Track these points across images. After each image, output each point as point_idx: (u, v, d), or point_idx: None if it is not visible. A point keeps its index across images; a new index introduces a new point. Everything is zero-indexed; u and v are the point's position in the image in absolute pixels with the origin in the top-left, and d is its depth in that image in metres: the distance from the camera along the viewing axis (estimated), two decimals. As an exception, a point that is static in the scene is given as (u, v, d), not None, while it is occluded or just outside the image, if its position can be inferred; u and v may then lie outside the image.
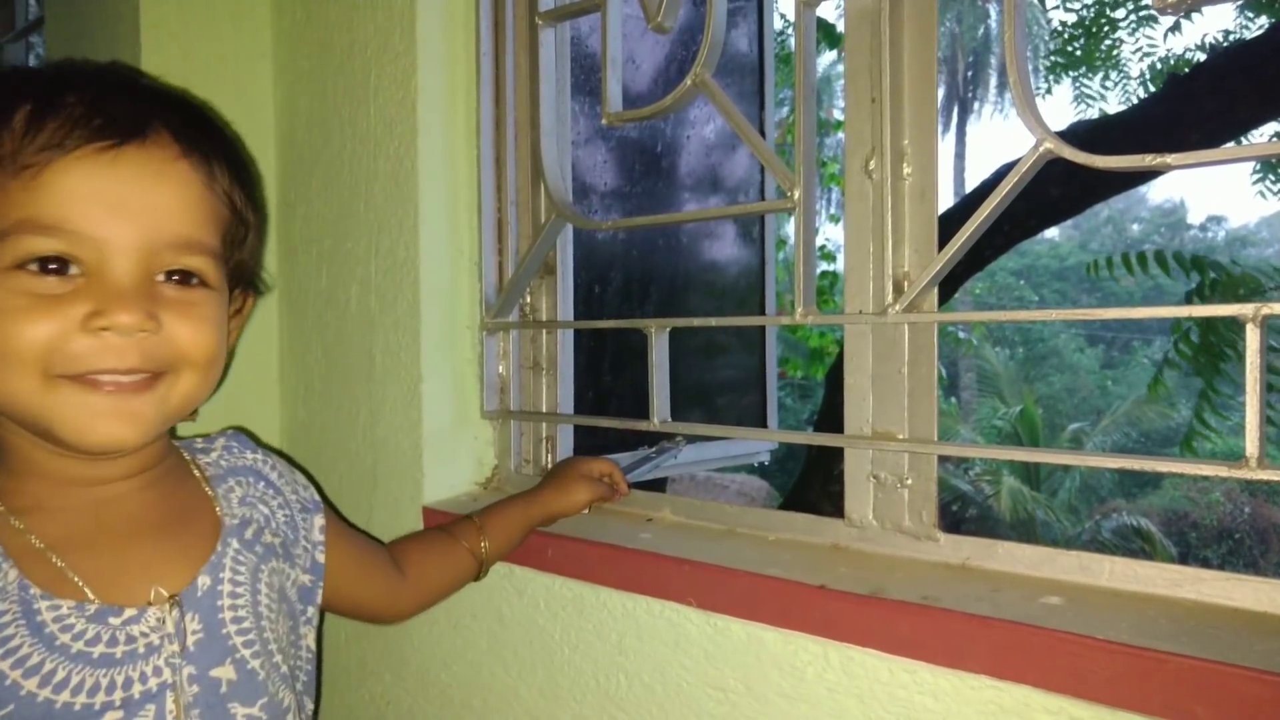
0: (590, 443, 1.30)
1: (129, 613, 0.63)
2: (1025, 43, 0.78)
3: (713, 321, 1.04)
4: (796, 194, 0.91)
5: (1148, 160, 0.68)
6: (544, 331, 1.20)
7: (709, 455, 1.67)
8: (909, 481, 0.86)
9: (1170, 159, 0.67)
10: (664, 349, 1.04)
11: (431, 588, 0.96)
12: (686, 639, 0.90)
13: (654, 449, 1.21)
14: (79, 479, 0.66)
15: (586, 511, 1.03)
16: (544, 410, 1.21)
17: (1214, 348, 3.10)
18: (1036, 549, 0.79)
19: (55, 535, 0.64)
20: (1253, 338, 0.65)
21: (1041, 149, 0.75)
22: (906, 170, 0.85)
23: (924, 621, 0.73)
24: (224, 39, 1.37)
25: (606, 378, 1.47)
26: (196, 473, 0.76)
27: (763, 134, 1.79)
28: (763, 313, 1.89)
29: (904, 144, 0.85)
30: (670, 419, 1.05)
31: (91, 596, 0.62)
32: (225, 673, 0.66)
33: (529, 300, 1.22)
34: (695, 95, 0.99)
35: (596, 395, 1.43)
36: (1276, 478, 0.64)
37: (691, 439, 1.20)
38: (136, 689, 0.62)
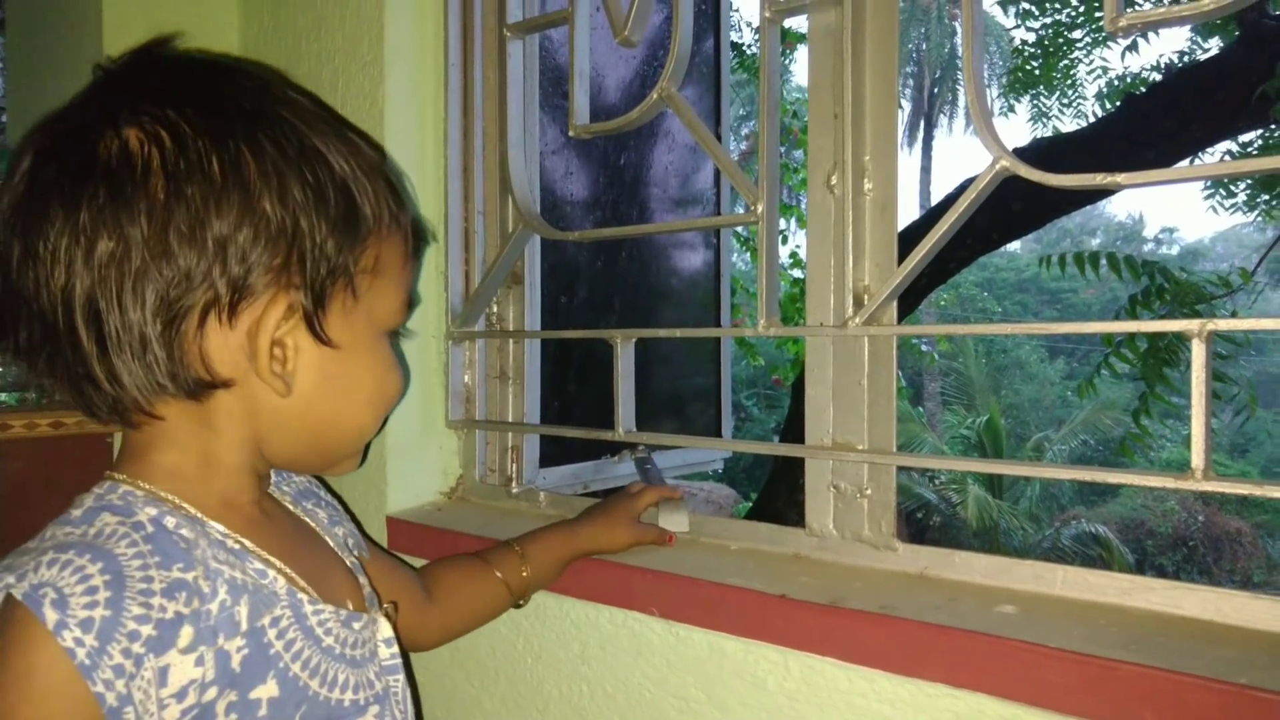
0: (555, 451, 1.30)
1: (365, 619, 0.69)
2: (983, 64, 0.80)
3: (678, 332, 1.05)
4: (760, 207, 0.92)
5: (1099, 179, 0.70)
6: (510, 341, 1.21)
7: (667, 464, 1.68)
8: (868, 492, 0.87)
9: (1120, 178, 0.69)
10: (629, 359, 1.05)
11: (462, 617, 0.92)
12: (649, 648, 0.90)
13: (638, 460, 1.21)
14: (258, 494, 0.68)
15: None
16: (509, 420, 1.21)
17: (1159, 354, 3.17)
18: (992, 558, 0.80)
19: (259, 541, 0.65)
20: (1198, 353, 0.67)
21: (998, 167, 0.77)
22: (868, 185, 0.87)
23: (882, 630, 0.74)
24: (189, 45, 1.36)
25: (571, 387, 1.47)
26: (284, 497, 0.76)
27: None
28: (718, 323, 1.91)
29: (865, 159, 0.87)
30: (635, 429, 1.06)
31: (324, 601, 0.66)
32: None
33: (495, 310, 1.22)
34: (661, 108, 1.00)
35: (561, 405, 1.43)
36: (1222, 489, 0.66)
37: (651, 448, 1.21)
38: (379, 686, 0.68)
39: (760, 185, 0.92)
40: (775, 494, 3.81)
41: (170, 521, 0.59)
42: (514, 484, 1.19)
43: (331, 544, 0.76)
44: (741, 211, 0.96)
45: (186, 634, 0.55)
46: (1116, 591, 0.74)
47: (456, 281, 1.20)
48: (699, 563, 0.90)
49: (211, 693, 0.56)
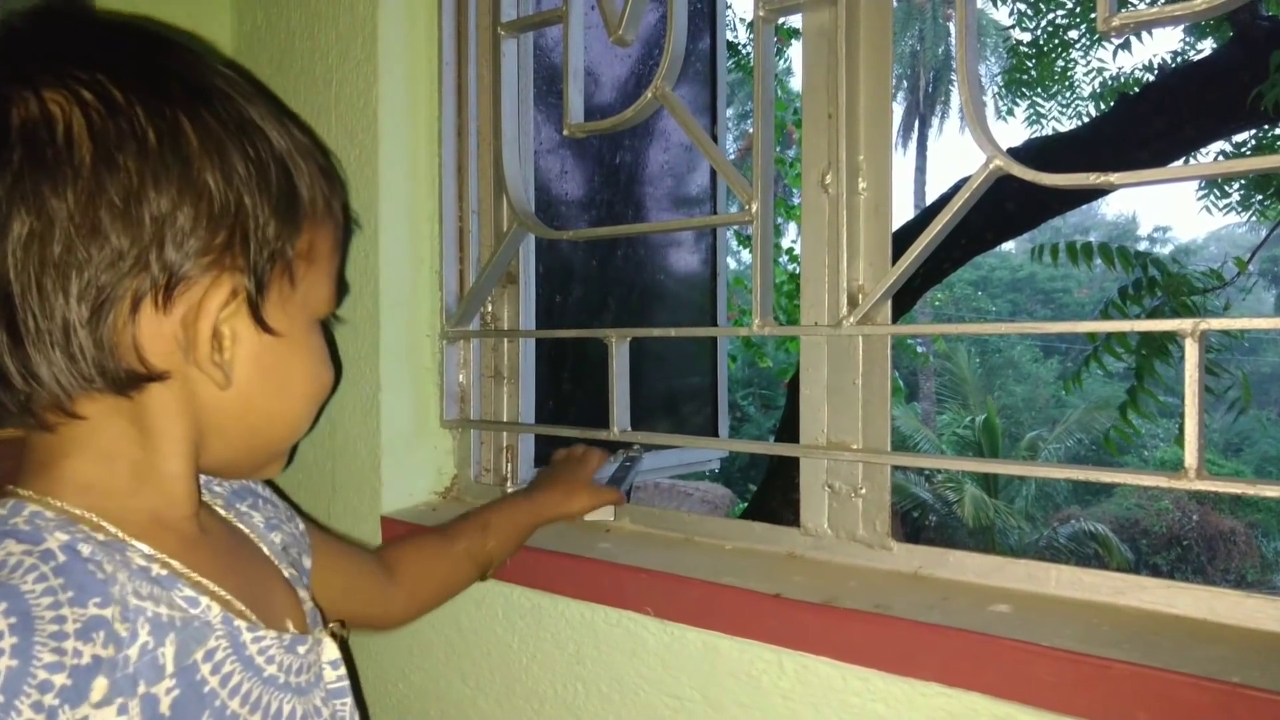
0: (550, 451, 1.30)
1: (309, 641, 0.63)
2: (977, 64, 0.80)
3: (672, 331, 1.05)
4: (754, 207, 0.92)
5: (1092, 179, 0.70)
6: (505, 340, 1.20)
7: (664, 463, 1.67)
8: (863, 491, 0.87)
9: (1113, 178, 0.70)
10: (624, 358, 1.05)
11: (428, 594, 0.92)
12: (644, 648, 0.90)
13: (625, 459, 1.21)
14: (194, 507, 0.62)
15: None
16: (504, 419, 1.20)
17: (1152, 345, 3.18)
18: (986, 558, 0.81)
19: (192, 563, 0.59)
20: (1191, 352, 0.67)
21: (991, 166, 0.77)
22: (862, 185, 0.87)
23: (876, 629, 0.74)
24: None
25: (566, 386, 1.47)
26: (215, 500, 0.71)
27: (716, 145, 1.81)
28: (715, 323, 1.91)
29: (859, 159, 0.87)
30: (630, 428, 1.06)
31: (261, 623, 0.61)
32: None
33: (490, 309, 1.22)
34: (655, 108, 1.00)
35: (556, 404, 1.43)
36: (1215, 488, 0.67)
37: (648, 447, 1.21)
38: (326, 713, 0.64)
39: (755, 185, 0.92)
40: (771, 493, 3.82)
41: (85, 549, 0.52)
42: (509, 484, 1.19)
43: (268, 552, 0.70)
44: (737, 211, 0.96)
45: (100, 686, 0.49)
46: (1110, 590, 0.75)
47: (451, 281, 1.20)
48: (694, 562, 0.90)
49: None
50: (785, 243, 5.45)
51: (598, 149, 1.59)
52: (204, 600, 0.56)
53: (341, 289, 0.68)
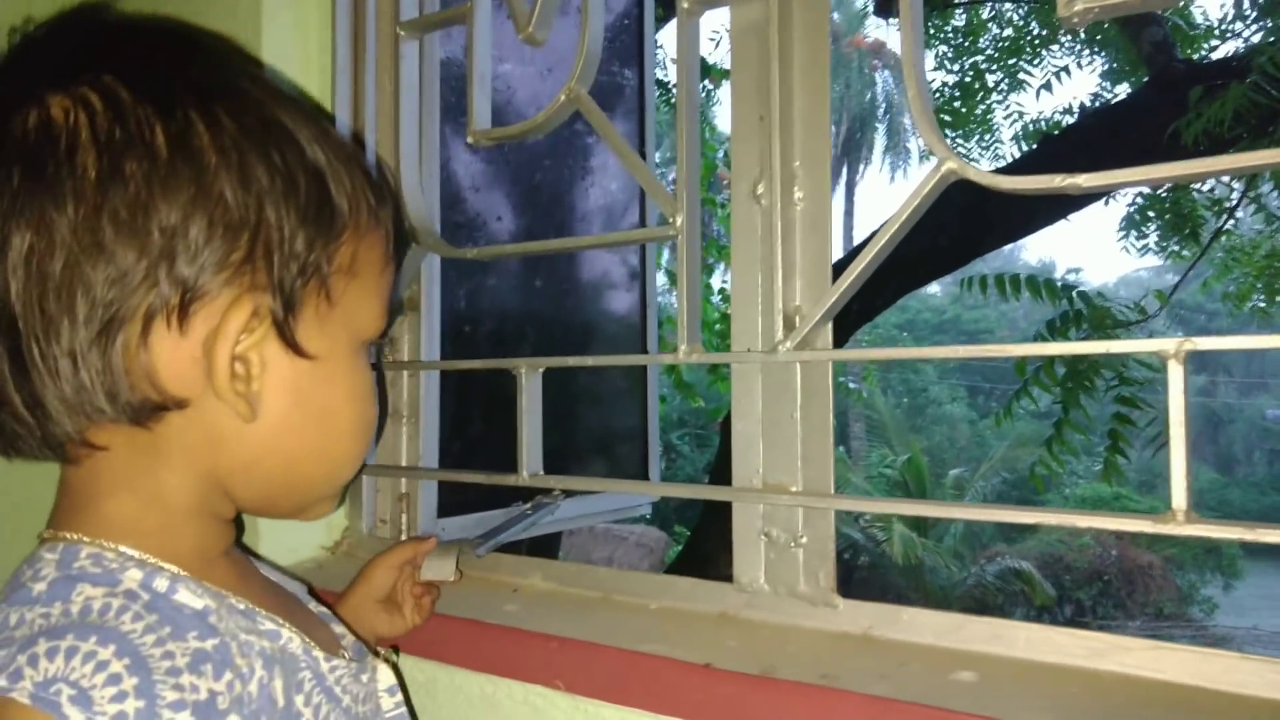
0: (457, 499, 1.17)
1: (370, 669, 0.62)
2: (923, 57, 0.72)
3: (589, 361, 0.93)
4: (679, 220, 0.82)
5: (1057, 181, 0.62)
6: (404, 373, 1.08)
7: (591, 509, 1.55)
8: (804, 539, 0.77)
9: (1080, 179, 0.62)
10: (536, 392, 0.93)
11: None
12: (554, 729, 0.77)
13: (529, 505, 1.09)
14: (229, 543, 0.59)
15: None
16: (403, 464, 1.07)
17: (1079, 379, 3.19)
18: (945, 615, 0.71)
19: (252, 596, 0.56)
20: (1175, 375, 0.58)
21: (944, 170, 0.68)
22: (798, 195, 0.78)
23: (821, 705, 0.63)
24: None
25: (477, 427, 1.34)
26: None
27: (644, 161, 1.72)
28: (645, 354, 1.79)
29: (795, 166, 0.78)
30: (543, 471, 0.94)
31: (324, 654, 0.58)
32: None
33: (388, 339, 1.09)
34: (570, 111, 0.90)
35: (464, 447, 1.29)
36: (1207, 533, 0.58)
37: (570, 492, 1.09)
38: None
39: (679, 196, 0.82)
40: (705, 536, 3.70)
41: (161, 584, 0.49)
42: (406, 536, 1.05)
43: (289, 589, 0.66)
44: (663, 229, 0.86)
45: None
46: (1085, 652, 0.65)
47: (343, 307, 1.07)
48: (612, 626, 0.78)
49: None
50: (716, 283, 5.38)
51: (514, 169, 1.48)
52: (285, 631, 0.54)
53: (394, 309, 0.60)
